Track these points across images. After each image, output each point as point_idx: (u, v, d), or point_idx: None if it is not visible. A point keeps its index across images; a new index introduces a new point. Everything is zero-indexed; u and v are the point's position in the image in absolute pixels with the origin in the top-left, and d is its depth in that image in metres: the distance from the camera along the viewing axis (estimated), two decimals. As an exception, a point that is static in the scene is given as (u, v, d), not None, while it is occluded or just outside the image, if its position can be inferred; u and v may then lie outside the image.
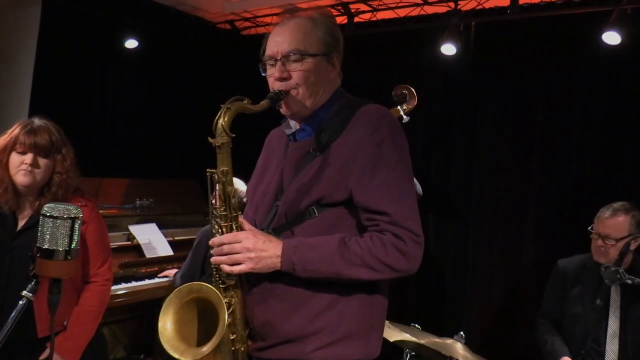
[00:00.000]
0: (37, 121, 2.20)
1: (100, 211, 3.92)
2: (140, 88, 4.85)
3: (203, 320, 1.51)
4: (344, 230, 1.50)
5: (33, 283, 1.44)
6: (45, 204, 2.14)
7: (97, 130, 4.66)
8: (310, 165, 1.54)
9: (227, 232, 1.48)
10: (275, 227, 1.55)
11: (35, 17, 4.08)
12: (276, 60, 1.57)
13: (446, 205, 4.34)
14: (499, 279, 4.11)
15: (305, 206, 1.51)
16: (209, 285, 1.46)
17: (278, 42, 1.58)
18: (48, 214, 1.38)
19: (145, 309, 4.09)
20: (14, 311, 1.42)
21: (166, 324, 1.44)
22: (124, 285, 3.77)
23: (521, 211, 4.03)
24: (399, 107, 3.00)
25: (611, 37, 3.38)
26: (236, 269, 1.46)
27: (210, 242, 1.50)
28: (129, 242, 4.08)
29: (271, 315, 1.52)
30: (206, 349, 1.37)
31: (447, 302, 4.31)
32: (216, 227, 1.49)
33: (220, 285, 1.50)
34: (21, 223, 2.22)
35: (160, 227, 4.32)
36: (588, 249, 2.84)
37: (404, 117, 2.97)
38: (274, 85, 1.58)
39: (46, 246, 1.38)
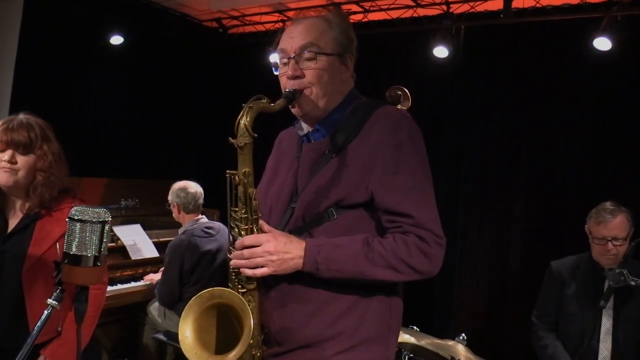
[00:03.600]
0: (19, 117, 2.11)
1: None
2: (124, 85, 4.75)
3: (221, 326, 1.46)
4: (363, 232, 1.47)
5: (58, 291, 1.36)
6: (34, 207, 2.08)
7: (79, 127, 4.55)
8: (327, 166, 1.51)
9: (247, 235, 1.43)
10: (293, 229, 1.51)
11: (17, 11, 3.95)
12: (289, 58, 1.53)
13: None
14: (487, 280, 4.14)
15: (324, 208, 1.48)
16: (232, 291, 1.42)
17: (293, 38, 1.54)
18: (76, 218, 1.30)
19: (129, 312, 4.01)
20: (39, 321, 1.34)
21: (186, 332, 1.38)
22: (108, 288, 3.64)
23: (509, 212, 4.07)
24: None
25: (602, 43, 3.44)
26: (258, 272, 1.41)
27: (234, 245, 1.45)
28: (113, 244, 3.98)
29: (290, 320, 1.48)
30: (233, 355, 1.32)
31: (435, 304, 4.32)
32: (236, 230, 1.44)
33: (240, 290, 1.45)
34: (11, 225, 2.13)
35: (145, 228, 4.24)
36: (576, 249, 2.87)
37: None
38: (287, 84, 1.55)
39: (74, 251, 1.29)
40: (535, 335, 2.92)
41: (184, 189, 3.61)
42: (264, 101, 1.44)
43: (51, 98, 4.26)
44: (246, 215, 1.42)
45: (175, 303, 3.44)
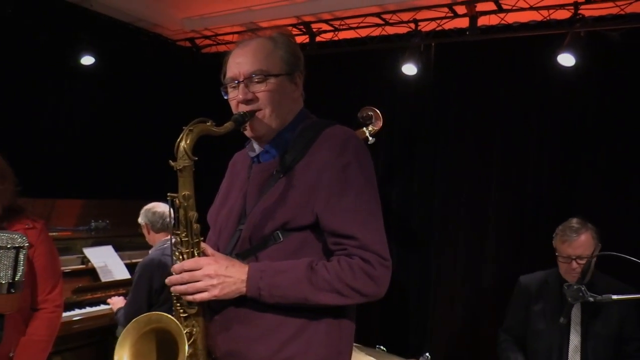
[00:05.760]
0: None
1: (54, 233, 3.82)
2: (96, 105, 4.71)
3: (162, 352, 1.43)
4: (310, 254, 1.46)
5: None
6: None
7: (51, 149, 4.50)
8: (274, 187, 1.50)
9: (187, 259, 1.41)
10: (239, 253, 1.49)
11: (-15, 32, 3.92)
12: (238, 82, 1.53)
13: (408, 225, 4.35)
14: (461, 298, 4.13)
15: (269, 231, 1.46)
16: (169, 316, 1.39)
17: (240, 64, 1.54)
18: None
19: (101, 336, 3.93)
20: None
21: (122, 358, 1.35)
22: (77, 311, 3.63)
23: (482, 229, 4.07)
24: (364, 129, 2.98)
25: (566, 59, 3.48)
26: (198, 297, 1.39)
27: (172, 269, 1.43)
28: (83, 266, 3.94)
29: (235, 345, 1.45)
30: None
31: (411, 323, 4.29)
32: (177, 253, 1.42)
33: (181, 315, 1.43)
34: None
35: (117, 249, 4.19)
36: (548, 265, 2.88)
37: (370, 138, 2.94)
38: (238, 107, 1.54)
39: (-14, 279, 1.26)
40: (499, 348, 2.92)
41: (151, 209, 3.60)
42: (208, 124, 1.43)
43: (21, 119, 4.22)
44: (187, 239, 1.41)
45: None
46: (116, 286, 3.98)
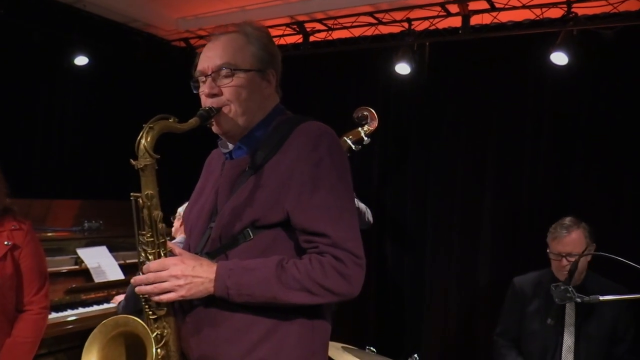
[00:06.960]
0: None
1: (49, 234, 3.81)
2: (90, 106, 4.71)
3: (132, 356, 1.41)
4: (281, 252, 1.43)
5: None
6: None
7: (45, 151, 4.50)
8: (245, 185, 1.47)
9: (154, 260, 1.39)
10: (209, 251, 1.47)
11: (-23, 34, 3.93)
12: (207, 76, 1.51)
13: (403, 226, 4.32)
14: (455, 299, 4.09)
15: (239, 229, 1.43)
16: (136, 318, 1.37)
17: (209, 57, 1.52)
18: None
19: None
20: None
21: (90, 363, 1.33)
22: (70, 311, 3.61)
23: (476, 230, 4.04)
24: (359, 129, 2.95)
25: (559, 58, 3.45)
26: (165, 297, 1.36)
27: (140, 270, 1.41)
28: (77, 267, 3.91)
29: (206, 347, 1.43)
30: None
31: (406, 324, 4.26)
32: (143, 254, 1.40)
33: (151, 317, 1.41)
34: None
35: (111, 249, 4.17)
36: (542, 266, 2.85)
37: (365, 138, 2.90)
38: (206, 102, 1.52)
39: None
40: (498, 353, 2.88)
41: None
42: (170, 120, 1.41)
43: (16, 121, 4.23)
44: (152, 239, 1.38)
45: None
46: (109, 287, 3.96)
